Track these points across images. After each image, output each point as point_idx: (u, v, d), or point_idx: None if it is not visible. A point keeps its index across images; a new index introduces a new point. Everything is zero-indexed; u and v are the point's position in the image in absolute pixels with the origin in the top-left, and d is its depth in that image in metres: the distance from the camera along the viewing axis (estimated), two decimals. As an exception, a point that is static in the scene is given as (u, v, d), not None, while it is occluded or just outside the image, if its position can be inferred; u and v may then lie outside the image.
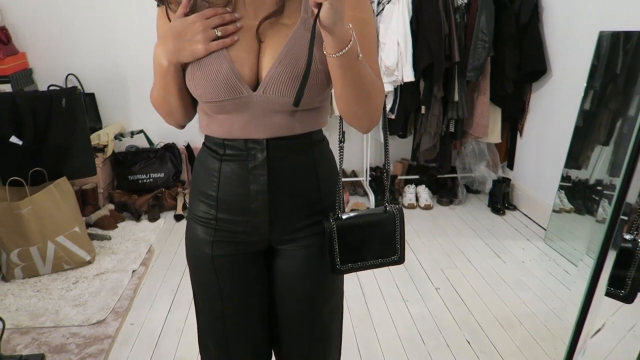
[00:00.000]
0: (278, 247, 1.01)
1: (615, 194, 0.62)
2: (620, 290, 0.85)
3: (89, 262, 2.55)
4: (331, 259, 0.98)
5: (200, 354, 1.13)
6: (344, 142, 0.99)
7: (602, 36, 2.49)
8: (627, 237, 0.80)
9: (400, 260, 1.02)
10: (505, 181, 3.38)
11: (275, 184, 0.94)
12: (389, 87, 3.03)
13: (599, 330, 2.07)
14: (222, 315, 1.04)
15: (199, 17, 0.83)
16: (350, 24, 0.76)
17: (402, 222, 1.00)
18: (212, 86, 0.86)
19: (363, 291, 2.37)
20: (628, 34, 2.37)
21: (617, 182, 0.62)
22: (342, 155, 1.00)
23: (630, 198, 0.60)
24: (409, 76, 2.96)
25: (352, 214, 0.99)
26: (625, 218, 0.64)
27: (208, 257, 1.00)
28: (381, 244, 1.00)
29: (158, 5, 0.92)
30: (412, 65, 2.96)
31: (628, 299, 0.88)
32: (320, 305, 1.05)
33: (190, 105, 0.98)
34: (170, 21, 0.89)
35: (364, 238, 0.99)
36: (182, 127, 1.04)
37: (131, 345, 1.98)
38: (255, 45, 0.87)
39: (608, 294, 0.85)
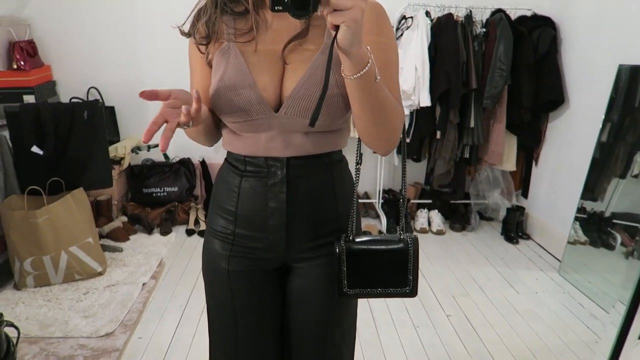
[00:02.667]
0: (293, 265, 1.02)
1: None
2: None
3: (100, 274, 2.56)
4: (338, 282, 0.97)
5: (212, 373, 1.12)
6: (360, 164, 1.00)
7: (621, 69, 2.49)
8: None
9: (413, 292, 0.99)
10: (519, 210, 3.35)
11: (293, 201, 0.95)
12: (405, 111, 3.04)
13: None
14: (235, 335, 1.04)
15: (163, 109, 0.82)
16: (368, 47, 0.77)
17: (417, 252, 0.98)
18: (235, 108, 0.89)
19: (373, 315, 2.34)
20: (647, 68, 2.37)
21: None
22: (358, 176, 1.00)
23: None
24: (425, 101, 2.97)
25: (365, 238, 0.98)
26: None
27: (224, 272, 1.01)
28: (393, 273, 0.98)
29: (185, 35, 0.97)
30: (429, 91, 2.98)
31: None
32: (332, 326, 1.04)
33: (216, 133, 1.02)
34: (199, 50, 0.94)
35: (374, 264, 0.98)
36: (211, 146, 1.08)
37: (139, 359, 1.97)
38: (278, 67, 0.90)
39: None
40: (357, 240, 0.97)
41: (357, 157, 1.00)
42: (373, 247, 0.98)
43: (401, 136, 0.96)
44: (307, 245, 0.98)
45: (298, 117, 0.88)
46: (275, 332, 1.07)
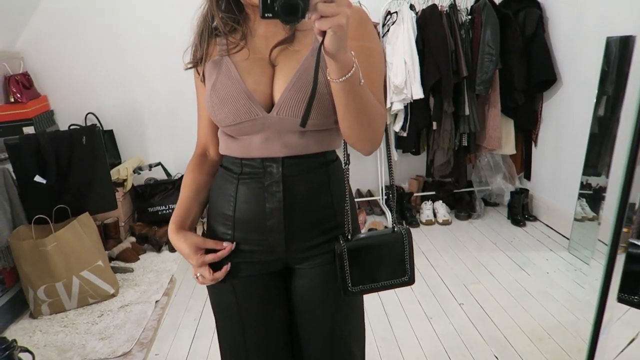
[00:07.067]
0: (294, 266, 1.03)
1: (619, 194, 0.61)
2: (635, 296, 0.82)
3: (113, 295, 2.58)
4: (342, 281, 0.99)
5: (225, 381, 1.13)
6: (349, 164, 1.02)
7: (610, 41, 2.49)
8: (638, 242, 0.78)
9: (411, 280, 1.03)
10: (524, 192, 3.34)
11: (290, 200, 0.96)
12: (399, 106, 3.05)
13: (632, 341, 2.00)
14: (244, 340, 1.05)
15: (193, 257, 0.99)
16: (353, 52, 0.79)
17: (411, 242, 1.02)
18: (228, 110, 0.92)
19: (386, 310, 2.34)
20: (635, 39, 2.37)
21: (619, 181, 0.62)
22: (347, 177, 1.03)
23: (633, 197, 0.60)
24: (418, 93, 2.98)
25: (361, 236, 1.01)
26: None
27: (227, 279, 1.02)
28: (391, 264, 1.02)
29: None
30: (420, 83, 2.99)
31: None
32: (340, 324, 1.05)
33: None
34: (199, 74, 1.00)
35: (374, 259, 1.01)
36: None
37: (157, 376, 1.99)
38: (268, 69, 0.94)
39: (621, 300, 0.82)
40: (355, 238, 1.00)
41: (344, 158, 1.02)
42: (370, 242, 1.01)
43: (383, 136, 0.99)
44: (306, 244, 1.00)
45: (290, 117, 0.91)
46: (284, 334, 1.08)
